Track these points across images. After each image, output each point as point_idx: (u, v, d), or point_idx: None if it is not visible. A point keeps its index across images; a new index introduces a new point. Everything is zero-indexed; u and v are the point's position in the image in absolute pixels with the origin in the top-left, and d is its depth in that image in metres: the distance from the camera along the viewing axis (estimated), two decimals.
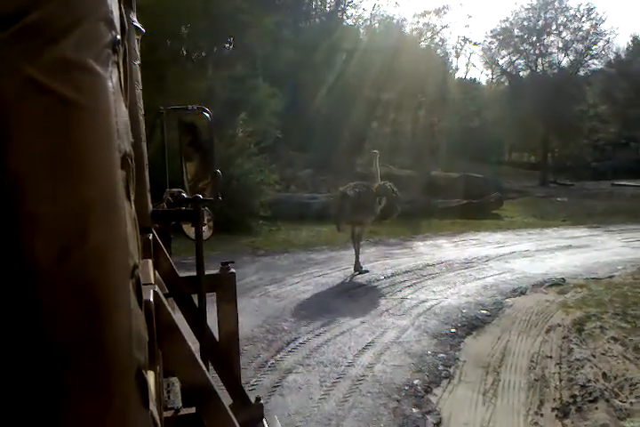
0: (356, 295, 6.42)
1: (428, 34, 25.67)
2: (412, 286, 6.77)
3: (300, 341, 4.94)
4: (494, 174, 19.97)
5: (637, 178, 24.29)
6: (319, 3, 25.37)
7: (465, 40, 30.07)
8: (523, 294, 6.25)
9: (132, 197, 0.71)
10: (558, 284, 6.63)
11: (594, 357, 4.30)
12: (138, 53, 1.68)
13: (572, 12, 27.09)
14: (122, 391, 0.64)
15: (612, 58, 28.43)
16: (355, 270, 7.52)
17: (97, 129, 0.62)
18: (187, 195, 1.98)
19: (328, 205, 9.62)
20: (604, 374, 3.98)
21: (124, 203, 0.65)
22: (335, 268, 7.87)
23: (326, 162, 17.28)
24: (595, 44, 26.98)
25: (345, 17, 25.58)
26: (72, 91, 0.58)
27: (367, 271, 7.50)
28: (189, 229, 1.82)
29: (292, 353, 4.65)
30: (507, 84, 31.53)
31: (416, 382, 4.06)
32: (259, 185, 11.71)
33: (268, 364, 4.41)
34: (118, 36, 0.66)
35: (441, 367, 4.30)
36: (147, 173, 1.68)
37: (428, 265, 7.93)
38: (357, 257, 7.59)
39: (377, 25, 27.54)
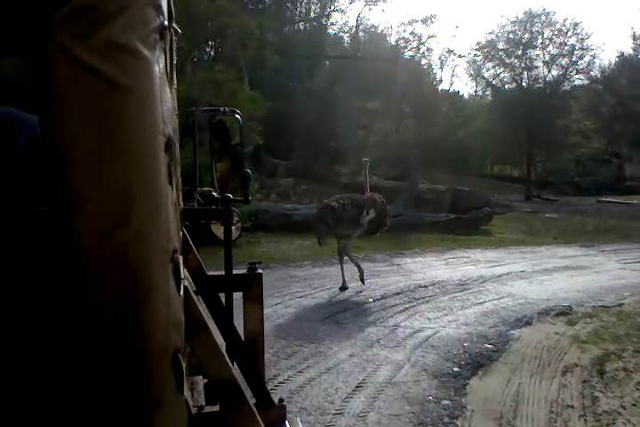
0: (342, 321, 5.75)
1: (414, 43, 25.20)
2: (404, 311, 6.12)
3: (280, 379, 4.24)
4: (478, 187, 19.51)
5: (621, 194, 24.17)
6: (303, 9, 24.85)
7: (450, 52, 29.71)
8: (528, 324, 5.62)
9: (175, 183, 0.70)
10: (565, 312, 6.02)
11: (624, 408, 3.68)
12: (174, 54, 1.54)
13: (557, 26, 27.03)
14: (158, 375, 0.63)
15: (597, 73, 28.37)
16: (362, 283, 7.19)
17: (142, 112, 0.62)
18: (216, 195, 1.96)
19: (311, 216, 8.98)
20: None
21: (166, 187, 0.66)
22: (319, 287, 7.20)
23: (309, 171, 16.64)
24: (580, 58, 26.91)
25: (329, 23, 25.09)
26: (119, 73, 0.60)
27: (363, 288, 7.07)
28: (218, 229, 1.85)
29: None
30: (490, 97, 31.37)
31: None
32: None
33: None
34: (166, 22, 0.68)
35: (447, 419, 3.62)
36: (178, 172, 1.47)
37: (420, 286, 7.29)
38: (361, 272, 7.19)
39: (361, 33, 27.15)
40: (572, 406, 3.79)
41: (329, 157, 18.80)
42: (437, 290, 7.14)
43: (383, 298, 6.67)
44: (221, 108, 2.10)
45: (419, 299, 6.64)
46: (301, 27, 24.53)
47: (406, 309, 6.20)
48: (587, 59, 27.13)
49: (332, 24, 25.49)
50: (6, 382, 0.70)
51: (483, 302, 6.50)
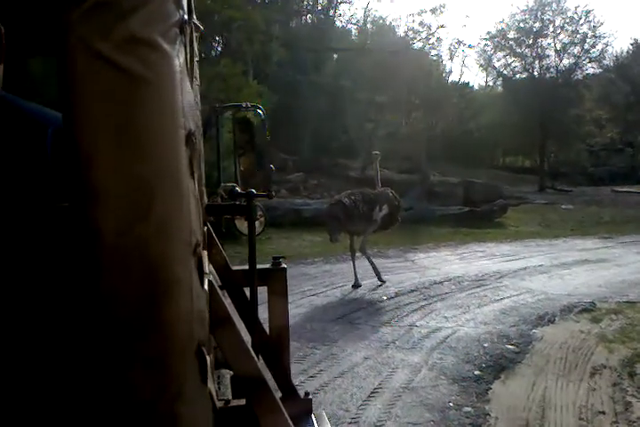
0: (356, 321, 5.54)
1: (424, 34, 24.75)
2: (419, 309, 5.90)
3: None
4: (490, 179, 19.19)
5: (635, 184, 23.74)
6: (310, 1, 24.50)
7: (459, 42, 29.21)
8: (551, 322, 5.37)
9: (196, 176, 0.70)
10: (589, 309, 5.77)
11: None
12: (197, 50, 1.69)
13: (569, 14, 26.47)
14: (180, 368, 0.63)
15: (610, 61, 27.82)
16: (381, 280, 7.11)
17: (162, 105, 0.61)
18: (240, 190, 1.91)
19: (322, 212, 8.78)
20: None
21: (187, 180, 0.65)
22: (330, 285, 7.00)
23: (319, 165, 16.41)
24: (593, 46, 26.36)
25: (337, 15, 24.73)
26: (139, 67, 0.60)
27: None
28: (242, 224, 1.86)
29: None
30: (501, 87, 30.91)
31: None
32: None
33: None
34: (186, 16, 0.67)
35: None
36: (202, 168, 1.63)
37: (435, 283, 7.07)
38: (376, 271, 7.06)
39: (369, 25, 26.76)
40: (603, 413, 3.56)
41: (338, 151, 18.56)
42: (453, 286, 6.91)
43: (397, 296, 6.46)
44: (244, 104, 2.15)
45: (434, 296, 6.42)
46: (308, 19, 24.20)
47: (422, 307, 5.98)
48: (599, 47, 26.59)
49: (339, 16, 25.13)
50: (22, 379, 0.70)
51: (501, 299, 6.26)
